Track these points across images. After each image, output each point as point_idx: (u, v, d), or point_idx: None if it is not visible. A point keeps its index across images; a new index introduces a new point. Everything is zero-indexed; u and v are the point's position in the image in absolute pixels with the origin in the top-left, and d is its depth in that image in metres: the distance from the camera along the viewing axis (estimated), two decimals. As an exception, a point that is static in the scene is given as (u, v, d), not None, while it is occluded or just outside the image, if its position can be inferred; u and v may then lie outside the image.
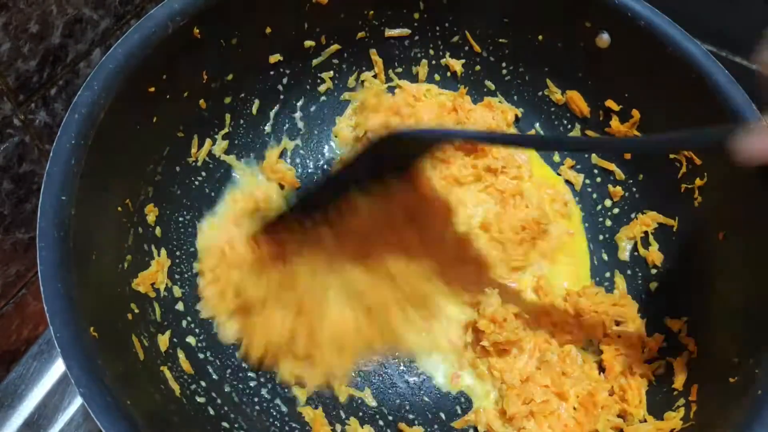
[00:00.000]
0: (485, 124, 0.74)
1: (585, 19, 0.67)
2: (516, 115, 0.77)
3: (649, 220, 0.68)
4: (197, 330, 0.61)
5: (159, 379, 0.53)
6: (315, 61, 0.73)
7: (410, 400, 0.64)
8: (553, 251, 0.71)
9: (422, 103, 0.76)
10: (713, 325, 0.59)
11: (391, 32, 0.75)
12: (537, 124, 0.77)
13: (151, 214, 0.60)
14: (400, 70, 0.78)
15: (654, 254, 0.67)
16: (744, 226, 0.58)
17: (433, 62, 0.77)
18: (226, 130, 0.69)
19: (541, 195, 0.74)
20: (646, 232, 0.69)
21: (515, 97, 0.77)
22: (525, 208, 0.72)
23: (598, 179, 0.74)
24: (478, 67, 0.77)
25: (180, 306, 0.61)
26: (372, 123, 0.74)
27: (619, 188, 0.72)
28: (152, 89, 0.58)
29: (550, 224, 0.72)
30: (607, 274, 0.70)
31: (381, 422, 0.62)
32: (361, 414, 0.62)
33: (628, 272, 0.69)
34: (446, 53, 0.77)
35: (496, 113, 0.75)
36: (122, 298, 0.54)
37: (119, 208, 0.56)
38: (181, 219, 0.64)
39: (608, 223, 0.72)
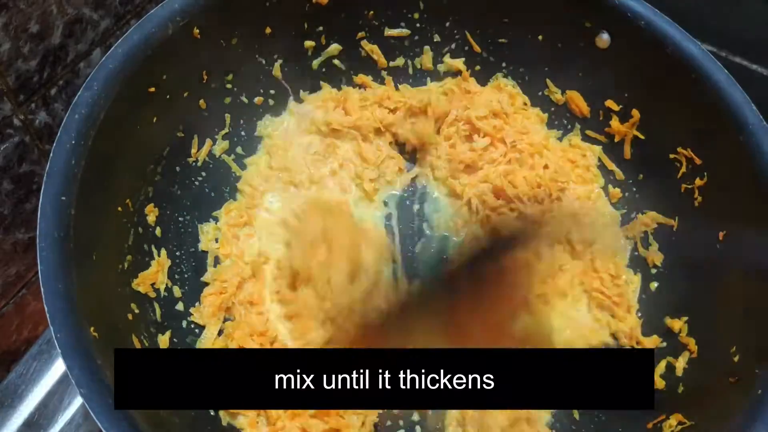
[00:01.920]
0: (489, 107, 0.72)
1: (585, 19, 0.67)
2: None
3: (649, 220, 0.68)
4: (197, 330, 0.61)
5: (159, 379, 0.53)
6: (315, 62, 0.73)
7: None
8: (576, 215, 0.69)
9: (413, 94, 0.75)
10: (713, 325, 0.59)
11: (391, 32, 0.74)
12: (537, 124, 0.77)
13: (151, 214, 0.60)
14: (400, 70, 0.77)
15: (654, 254, 0.67)
16: (744, 226, 0.58)
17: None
18: (226, 130, 0.69)
19: (561, 159, 0.72)
20: (645, 232, 0.69)
21: (515, 97, 0.77)
22: (543, 169, 0.70)
23: (598, 179, 0.74)
24: (478, 67, 0.77)
25: (180, 306, 0.61)
26: (347, 118, 0.72)
27: (618, 189, 0.72)
28: (152, 89, 0.58)
29: (569, 183, 0.70)
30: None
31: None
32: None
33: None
34: (446, 53, 0.77)
35: (503, 96, 0.74)
36: (122, 298, 0.54)
37: (119, 208, 0.56)
38: (181, 219, 0.64)
39: (608, 223, 0.72)
